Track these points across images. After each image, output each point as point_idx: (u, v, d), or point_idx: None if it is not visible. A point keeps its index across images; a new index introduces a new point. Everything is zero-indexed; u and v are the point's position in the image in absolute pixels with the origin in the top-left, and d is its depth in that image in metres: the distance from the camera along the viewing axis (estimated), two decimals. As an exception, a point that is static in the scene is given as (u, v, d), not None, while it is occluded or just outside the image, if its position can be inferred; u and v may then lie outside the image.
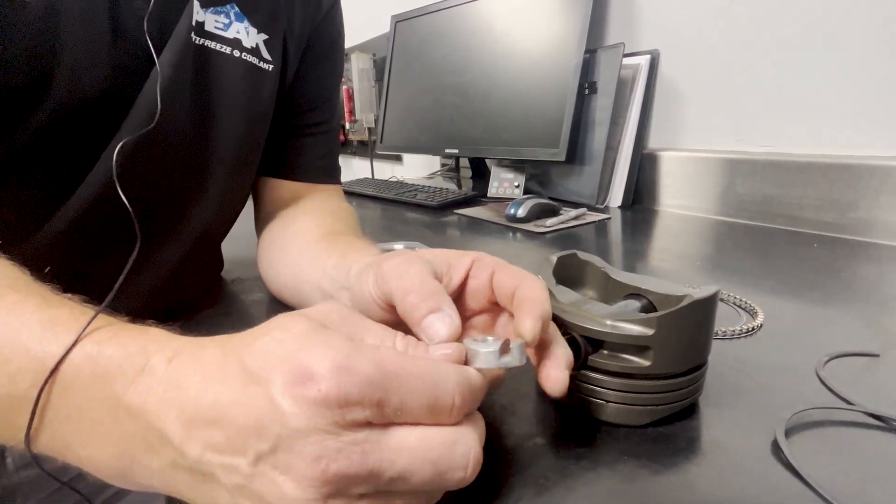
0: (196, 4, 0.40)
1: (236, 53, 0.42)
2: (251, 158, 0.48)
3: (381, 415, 0.17)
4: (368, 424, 0.17)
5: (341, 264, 0.34)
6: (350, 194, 1.09)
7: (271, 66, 0.45)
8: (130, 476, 0.19)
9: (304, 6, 0.48)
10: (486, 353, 0.20)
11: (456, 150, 1.01)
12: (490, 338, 0.21)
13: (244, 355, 0.18)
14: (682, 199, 0.79)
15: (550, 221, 0.71)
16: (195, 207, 0.43)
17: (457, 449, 0.18)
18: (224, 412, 0.17)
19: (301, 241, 0.43)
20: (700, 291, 0.24)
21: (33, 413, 0.19)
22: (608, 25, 0.89)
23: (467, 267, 0.26)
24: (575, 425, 0.26)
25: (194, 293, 0.49)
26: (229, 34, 0.42)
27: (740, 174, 0.71)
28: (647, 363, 0.24)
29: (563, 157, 0.81)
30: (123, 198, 0.32)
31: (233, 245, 0.71)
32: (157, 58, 0.37)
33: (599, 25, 0.89)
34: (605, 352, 0.25)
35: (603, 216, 0.76)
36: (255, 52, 0.44)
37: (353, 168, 1.81)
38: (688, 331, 0.24)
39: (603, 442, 0.24)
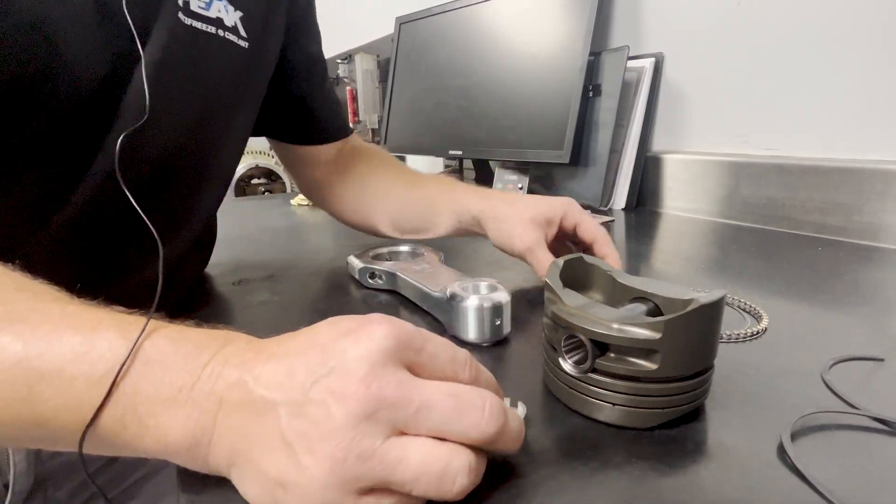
0: None
1: (220, 33, 0.42)
2: (242, 136, 0.49)
3: (419, 360, 0.21)
4: (409, 369, 0.20)
5: (459, 205, 0.50)
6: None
7: (247, 44, 0.44)
8: (193, 447, 0.20)
9: None
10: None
11: (460, 152, 1.02)
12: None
13: (310, 330, 0.22)
14: (686, 201, 0.79)
15: (554, 223, 0.71)
16: (200, 190, 0.44)
17: (476, 395, 0.20)
18: (291, 361, 0.20)
19: (402, 186, 0.56)
20: (707, 295, 0.24)
21: (110, 391, 0.20)
22: (613, 28, 0.89)
23: (559, 223, 0.45)
24: (582, 428, 0.26)
25: (192, 273, 0.51)
26: (211, 13, 0.41)
27: (745, 177, 0.71)
28: (654, 366, 0.24)
29: (567, 160, 0.81)
30: (126, 192, 0.32)
31: (235, 246, 0.71)
32: (141, 41, 0.35)
33: (604, 28, 0.89)
34: (612, 355, 0.26)
35: (607, 218, 0.76)
36: (234, 30, 0.43)
37: (357, 169, 1.81)
38: (695, 334, 0.24)
39: (611, 444, 0.25)
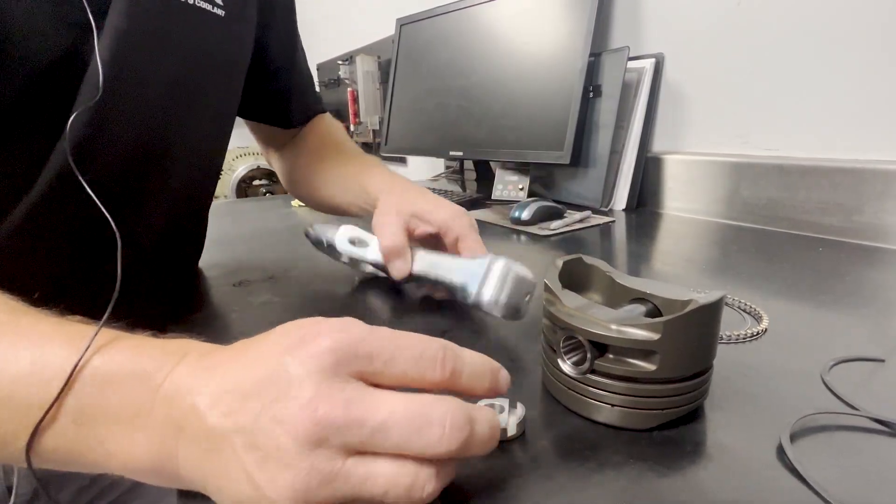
0: None
1: (190, 1, 0.40)
2: (226, 111, 0.48)
3: (371, 368, 0.19)
4: (360, 379, 0.19)
5: (362, 190, 0.50)
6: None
7: (224, 13, 0.43)
8: (160, 469, 0.20)
9: None
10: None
11: (460, 153, 1.02)
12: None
13: (261, 340, 0.21)
14: (686, 202, 0.79)
15: (555, 224, 0.71)
16: (169, 174, 0.42)
17: (436, 407, 0.19)
18: (240, 380, 0.19)
19: (326, 166, 0.57)
20: (706, 296, 0.24)
21: (48, 409, 0.20)
22: (613, 29, 0.89)
23: (435, 229, 0.43)
24: (581, 428, 0.26)
25: (172, 271, 0.50)
26: None
27: (745, 178, 0.71)
28: (652, 367, 0.24)
29: (567, 160, 0.81)
30: (81, 179, 0.31)
31: (236, 247, 0.71)
32: (100, 10, 0.33)
33: (604, 29, 0.89)
34: (611, 356, 0.26)
35: (607, 219, 0.76)
36: None
37: (358, 170, 1.81)
38: (694, 335, 0.24)
39: (609, 445, 0.25)
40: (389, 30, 1.22)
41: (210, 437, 0.19)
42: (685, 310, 0.24)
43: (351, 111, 1.59)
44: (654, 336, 0.24)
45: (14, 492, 0.42)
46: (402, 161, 1.58)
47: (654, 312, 0.29)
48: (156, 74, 0.38)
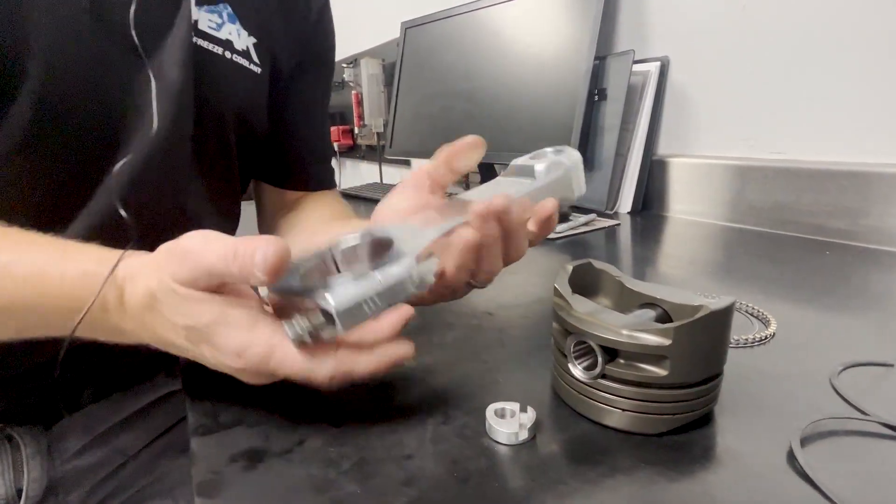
0: (191, 1, 0.38)
1: (227, 55, 0.41)
2: (244, 156, 0.48)
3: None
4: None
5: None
6: (359, 199, 1.10)
7: (260, 70, 0.44)
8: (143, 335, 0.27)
9: (289, 16, 0.47)
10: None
11: (465, 156, 1.02)
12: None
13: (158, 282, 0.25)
14: (691, 205, 0.79)
15: (560, 227, 0.71)
16: (194, 211, 0.43)
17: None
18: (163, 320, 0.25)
19: (314, 228, 0.47)
20: (716, 302, 0.25)
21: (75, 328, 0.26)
22: (618, 32, 0.89)
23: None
24: (591, 433, 0.26)
25: None
26: (222, 35, 0.41)
27: (751, 181, 0.71)
28: (663, 373, 0.24)
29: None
30: (122, 212, 0.33)
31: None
32: (147, 56, 0.35)
33: (609, 32, 0.89)
34: (622, 361, 0.26)
35: (612, 222, 0.76)
36: (245, 54, 0.43)
37: (362, 172, 1.82)
38: (704, 341, 0.25)
39: (619, 449, 0.25)
40: (393, 33, 1.23)
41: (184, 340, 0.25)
42: (696, 315, 0.24)
43: (355, 114, 1.60)
44: (666, 341, 0.24)
45: (25, 494, 0.42)
46: (407, 163, 1.59)
47: (664, 317, 0.29)
48: (188, 120, 0.39)
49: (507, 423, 0.25)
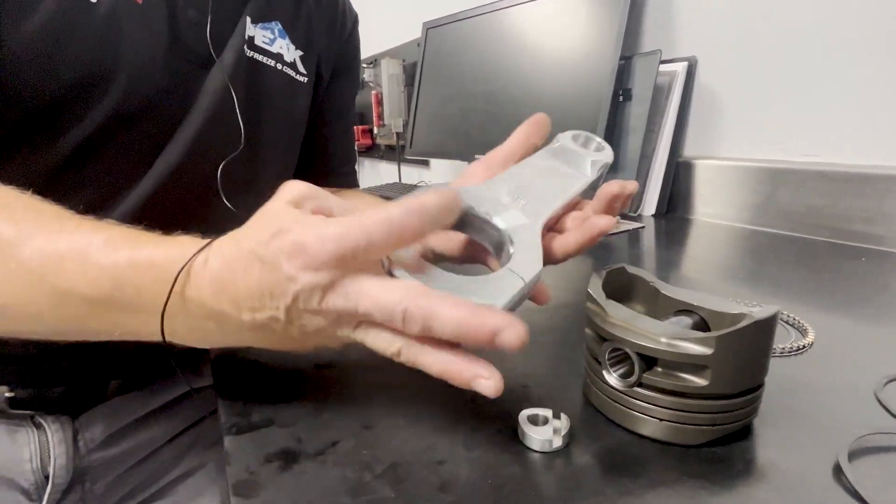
0: (247, 20, 0.43)
1: (279, 66, 0.46)
2: (290, 164, 0.53)
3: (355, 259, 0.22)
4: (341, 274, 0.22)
5: None
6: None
7: (305, 80, 0.49)
8: (204, 341, 0.26)
9: (330, 30, 0.53)
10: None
11: (486, 156, 1.01)
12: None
13: (257, 252, 0.23)
14: (718, 208, 0.78)
15: (584, 230, 0.70)
16: (245, 211, 0.45)
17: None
18: (260, 289, 0.23)
19: None
20: (760, 310, 0.24)
21: (163, 312, 0.25)
22: (644, 32, 0.88)
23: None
24: (625, 441, 0.26)
25: None
26: (274, 49, 0.46)
27: (782, 184, 0.69)
28: (703, 383, 0.24)
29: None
30: (228, 203, 0.37)
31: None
32: (205, 67, 0.40)
33: (635, 32, 0.88)
34: (660, 369, 0.25)
35: (637, 225, 0.75)
36: (293, 66, 0.48)
37: (381, 172, 1.83)
38: (747, 351, 0.24)
39: (657, 460, 0.24)
40: (414, 34, 1.23)
41: (250, 327, 0.24)
42: (739, 324, 0.23)
43: (375, 113, 1.61)
44: (707, 351, 0.23)
45: (51, 482, 0.43)
46: (426, 164, 1.59)
47: (701, 325, 0.28)
48: (241, 125, 0.43)
49: (541, 429, 0.25)
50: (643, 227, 0.75)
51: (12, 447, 0.42)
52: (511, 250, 0.27)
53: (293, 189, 0.24)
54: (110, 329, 0.26)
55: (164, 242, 0.26)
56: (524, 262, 0.26)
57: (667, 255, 0.64)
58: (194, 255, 0.25)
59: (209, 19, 0.39)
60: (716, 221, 0.77)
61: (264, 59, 0.45)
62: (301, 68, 0.49)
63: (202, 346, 0.27)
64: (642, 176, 0.82)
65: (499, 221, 0.28)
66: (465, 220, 0.29)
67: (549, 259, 0.31)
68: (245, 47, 0.43)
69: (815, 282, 0.50)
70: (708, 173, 0.79)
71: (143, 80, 0.37)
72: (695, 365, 0.24)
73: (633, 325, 0.26)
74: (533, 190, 0.31)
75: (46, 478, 0.43)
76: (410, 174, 1.62)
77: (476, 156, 1.03)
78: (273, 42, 0.46)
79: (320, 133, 0.57)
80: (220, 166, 0.38)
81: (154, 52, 0.37)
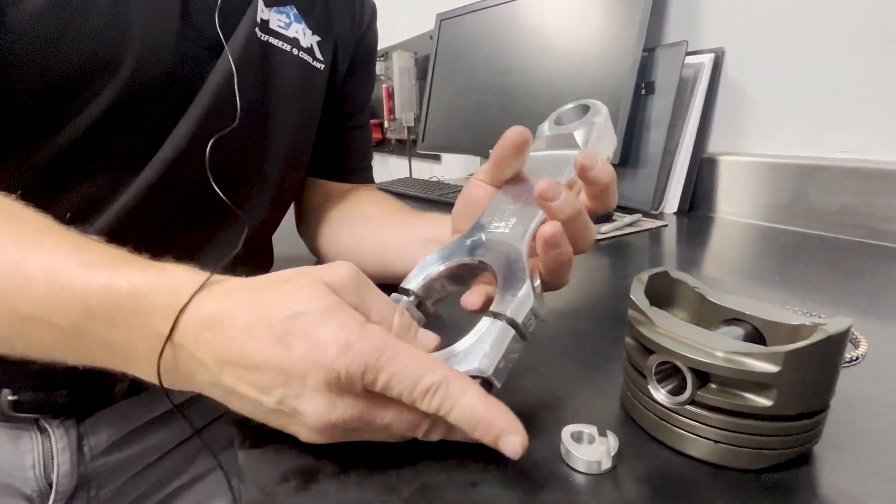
0: (260, 3, 0.42)
1: (294, 51, 0.45)
2: (303, 152, 0.50)
3: (371, 386, 0.21)
4: (364, 392, 0.21)
5: (436, 222, 0.41)
6: (390, 194, 1.08)
7: (322, 66, 0.48)
8: (173, 384, 0.24)
9: (350, 17, 0.51)
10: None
11: (500, 151, 0.99)
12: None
13: (272, 320, 0.21)
14: (742, 206, 0.75)
15: (604, 228, 0.68)
16: (253, 196, 0.45)
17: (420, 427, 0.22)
18: (256, 363, 0.21)
19: (379, 219, 0.48)
20: (832, 323, 0.22)
21: (162, 349, 0.22)
22: (668, 22, 0.84)
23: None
24: (673, 463, 0.23)
25: None
26: (290, 33, 0.44)
27: (814, 181, 0.66)
28: (767, 403, 0.21)
29: (616, 160, 0.78)
30: (216, 188, 0.35)
31: (279, 244, 0.70)
32: (215, 51, 0.38)
33: (658, 22, 0.85)
34: (714, 386, 0.23)
35: (659, 223, 0.72)
36: (309, 51, 0.46)
37: (391, 166, 1.80)
38: (817, 369, 0.21)
39: (712, 486, 0.22)
40: (426, 26, 1.20)
41: (226, 389, 0.22)
42: (811, 339, 0.21)
43: (385, 107, 1.58)
44: (773, 368, 0.21)
45: (54, 489, 0.42)
46: (437, 159, 1.56)
47: (754, 336, 0.26)
48: (251, 107, 0.41)
49: (588, 449, 0.23)
50: (666, 226, 0.72)
51: (15, 453, 0.40)
52: (498, 284, 0.26)
53: (338, 271, 0.23)
54: (80, 361, 0.24)
55: (149, 269, 0.24)
56: (511, 302, 0.24)
57: (692, 256, 0.61)
58: (194, 293, 0.23)
59: (219, 2, 0.38)
60: (741, 220, 0.75)
61: (279, 43, 0.43)
62: (318, 54, 0.47)
63: (168, 387, 0.24)
64: (664, 172, 0.79)
65: (486, 258, 0.28)
66: (456, 274, 0.29)
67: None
68: (257, 30, 0.41)
69: (855, 285, 0.47)
70: (733, 170, 0.76)
71: (152, 63, 0.35)
72: (758, 383, 0.21)
73: (685, 336, 0.23)
74: (523, 196, 0.30)
75: (50, 485, 0.42)
76: (421, 169, 1.59)
77: (490, 150, 1.01)
78: (288, 26, 0.44)
79: (338, 128, 0.55)
80: (210, 142, 0.35)
81: (164, 34, 0.36)
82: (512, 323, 0.24)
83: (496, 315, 0.24)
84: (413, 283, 0.29)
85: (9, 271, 0.23)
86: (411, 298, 0.29)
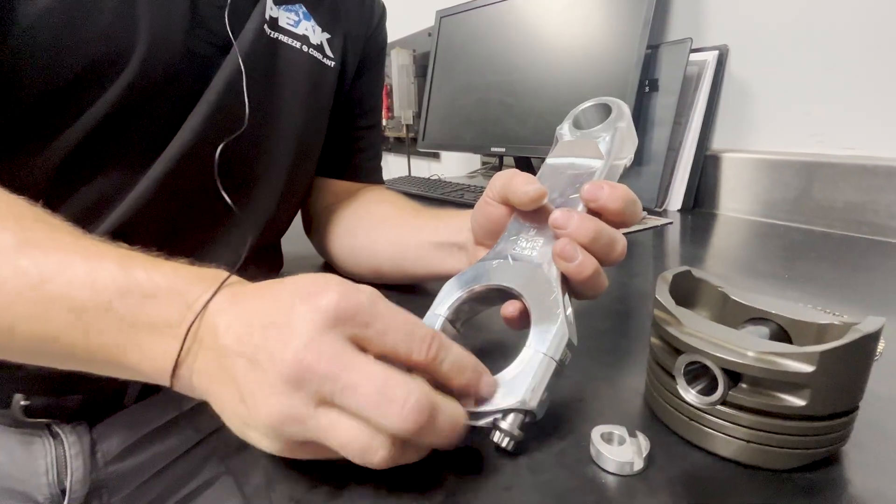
0: (269, 1, 0.41)
1: (304, 48, 0.44)
2: (311, 151, 0.50)
3: (364, 333, 0.21)
4: (352, 340, 0.21)
5: (451, 223, 0.40)
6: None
7: (333, 63, 0.47)
8: (179, 374, 0.23)
9: (359, 14, 0.51)
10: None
11: (502, 149, 0.99)
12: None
13: (282, 285, 0.23)
14: (747, 203, 0.75)
15: (611, 226, 0.68)
16: (261, 196, 0.45)
17: (402, 386, 0.20)
18: (255, 314, 0.22)
19: (393, 220, 0.47)
20: (866, 323, 0.21)
21: (182, 346, 0.23)
22: (672, 19, 0.84)
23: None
24: (707, 464, 0.23)
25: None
26: (299, 30, 0.44)
27: (819, 178, 0.66)
28: (800, 403, 0.21)
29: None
30: (224, 194, 0.35)
31: (288, 245, 0.70)
32: (223, 48, 0.38)
33: (662, 19, 0.85)
34: (745, 386, 0.23)
35: (664, 220, 0.73)
36: (319, 48, 0.46)
37: (389, 165, 1.79)
38: (851, 368, 0.21)
39: (745, 486, 0.22)
40: (425, 23, 1.20)
41: (220, 353, 0.22)
42: (846, 339, 0.21)
43: (384, 105, 1.58)
44: (808, 368, 0.21)
45: (67, 496, 0.41)
46: (436, 157, 1.56)
47: (780, 335, 0.26)
48: (259, 105, 0.41)
49: (619, 450, 0.23)
50: (671, 223, 0.72)
51: (28, 459, 0.40)
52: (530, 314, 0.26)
53: (333, 300, 0.21)
54: (84, 344, 0.24)
55: (187, 270, 0.25)
56: (548, 341, 0.24)
57: (697, 253, 0.61)
58: (221, 283, 0.23)
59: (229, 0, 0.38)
60: (745, 217, 0.75)
61: (288, 41, 0.43)
62: (328, 52, 0.47)
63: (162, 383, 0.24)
64: (668, 169, 0.79)
65: (509, 284, 0.27)
66: (484, 297, 0.29)
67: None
68: (266, 27, 0.41)
69: (865, 282, 0.48)
70: (737, 167, 0.76)
71: (160, 59, 0.35)
72: (792, 383, 0.21)
73: (715, 336, 0.23)
74: (546, 214, 0.29)
75: (63, 491, 0.41)
76: (420, 167, 1.59)
77: (493, 148, 1.00)
78: (298, 24, 0.44)
79: (349, 127, 0.54)
80: (219, 148, 0.35)
81: (173, 31, 0.36)
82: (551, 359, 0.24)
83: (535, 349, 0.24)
84: (442, 307, 0.28)
85: (47, 262, 0.24)
86: (444, 316, 0.28)
